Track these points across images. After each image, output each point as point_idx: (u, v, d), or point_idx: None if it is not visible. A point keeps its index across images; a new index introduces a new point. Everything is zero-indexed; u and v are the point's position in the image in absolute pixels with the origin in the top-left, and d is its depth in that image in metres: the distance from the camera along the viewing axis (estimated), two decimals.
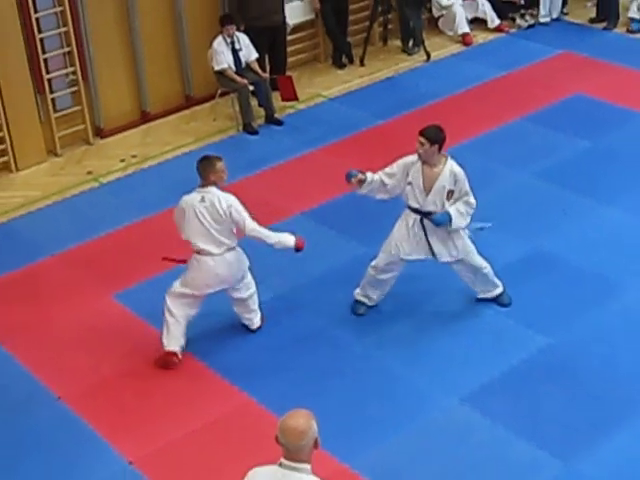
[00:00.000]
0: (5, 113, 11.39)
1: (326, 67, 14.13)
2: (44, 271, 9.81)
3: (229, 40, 12.16)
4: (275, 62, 13.18)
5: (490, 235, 9.57)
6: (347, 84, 13.58)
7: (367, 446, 7.41)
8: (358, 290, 8.89)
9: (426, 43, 14.24)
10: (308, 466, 4.91)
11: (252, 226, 8.05)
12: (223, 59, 12.18)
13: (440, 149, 8.14)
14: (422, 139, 8.05)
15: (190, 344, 8.50)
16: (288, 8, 13.23)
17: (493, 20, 15.04)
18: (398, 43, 14.60)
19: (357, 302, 8.92)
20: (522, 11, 15.24)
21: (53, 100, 11.88)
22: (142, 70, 12.56)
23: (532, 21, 15.13)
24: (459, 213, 8.22)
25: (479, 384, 8.01)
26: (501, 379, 8.06)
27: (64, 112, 12.03)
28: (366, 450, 7.37)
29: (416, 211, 8.32)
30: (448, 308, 8.88)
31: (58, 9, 11.55)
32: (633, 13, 14.70)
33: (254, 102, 12.49)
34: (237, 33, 12.24)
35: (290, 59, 13.59)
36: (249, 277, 8.47)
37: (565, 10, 15.39)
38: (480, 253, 8.52)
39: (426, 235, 8.33)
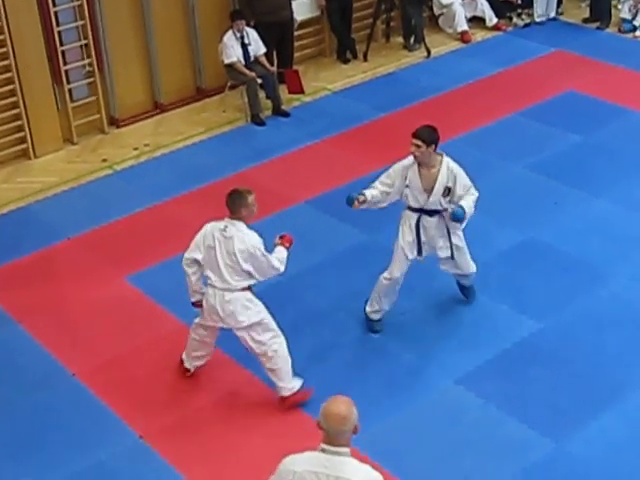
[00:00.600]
0: (24, 102, 11.38)
1: (331, 62, 14.09)
2: (60, 254, 9.81)
3: (239, 35, 12.13)
4: (283, 56, 13.14)
5: (485, 224, 9.58)
6: (351, 78, 13.54)
7: (366, 424, 7.37)
8: (369, 308, 8.42)
9: (427, 40, 14.20)
10: (348, 450, 4.87)
11: (276, 264, 7.35)
12: (233, 53, 12.15)
13: (435, 149, 7.76)
14: (417, 141, 7.65)
15: None
16: (295, 5, 13.17)
17: (491, 19, 14.99)
18: (400, 40, 14.55)
19: (372, 321, 8.43)
20: (519, 10, 15.19)
21: (70, 90, 11.85)
22: (155, 63, 12.53)
23: (528, 20, 15.08)
24: (469, 207, 7.86)
25: (473, 366, 8.01)
26: (494, 362, 8.06)
27: (80, 102, 12.01)
28: (365, 428, 7.34)
29: (418, 210, 7.99)
30: (445, 294, 8.86)
31: (76, 3, 11.52)
32: (624, 14, 14.65)
33: (262, 94, 12.46)
34: (246, 28, 12.20)
35: (296, 54, 13.55)
36: (267, 335, 7.49)
37: (560, 10, 15.33)
38: (472, 257, 8.43)
39: (427, 234, 8.02)
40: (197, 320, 7.69)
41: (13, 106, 11.40)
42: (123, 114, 12.43)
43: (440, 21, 14.97)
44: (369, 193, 7.94)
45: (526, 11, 15.16)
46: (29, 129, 11.52)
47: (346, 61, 14.05)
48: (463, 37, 14.63)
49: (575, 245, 9.48)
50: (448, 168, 7.83)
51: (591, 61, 13.58)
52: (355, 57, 14.14)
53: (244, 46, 12.20)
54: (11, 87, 11.29)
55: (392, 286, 8.22)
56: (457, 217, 7.80)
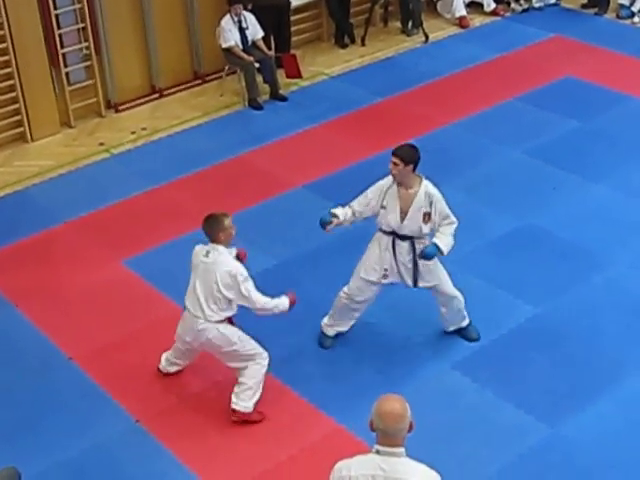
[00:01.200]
0: (21, 86, 11.31)
1: (329, 46, 14.02)
2: (57, 237, 9.77)
3: (236, 19, 12.07)
4: (280, 40, 13.07)
5: (482, 210, 9.56)
6: (348, 63, 13.48)
7: (363, 408, 7.38)
8: (326, 320, 8.11)
9: (425, 25, 14.12)
10: (404, 449, 4.73)
11: (257, 297, 7.04)
12: (230, 37, 12.10)
13: (414, 169, 7.34)
14: (396, 159, 7.27)
15: None
16: None
17: (489, 4, 14.91)
18: (398, 25, 14.48)
19: (324, 335, 8.14)
20: None
21: (67, 74, 11.79)
22: (153, 47, 12.45)
23: (526, 5, 15.00)
24: (447, 240, 7.50)
25: (470, 351, 8.00)
26: (491, 347, 8.04)
27: (78, 86, 11.95)
28: (362, 412, 7.34)
29: (390, 234, 7.62)
30: None
31: None
32: (623, 0, 14.59)
33: (259, 79, 12.40)
34: (244, 12, 12.13)
35: (294, 38, 13.48)
36: (242, 364, 7.23)
37: None
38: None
39: (396, 260, 7.64)
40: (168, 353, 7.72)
41: (10, 89, 11.34)
42: (120, 98, 12.37)
43: (438, 6, 14.90)
44: (342, 213, 7.66)
45: None
46: (26, 112, 11.46)
47: (344, 46, 13.98)
48: (461, 22, 14.56)
49: (573, 231, 9.44)
50: (426, 192, 7.42)
51: (589, 47, 13.53)
52: (353, 42, 14.07)
53: (242, 30, 12.14)
54: (8, 70, 11.23)
55: (348, 306, 7.92)
56: (428, 256, 7.49)
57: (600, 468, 6.85)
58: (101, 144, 11.55)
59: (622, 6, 14.58)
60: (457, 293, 7.90)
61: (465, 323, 8.11)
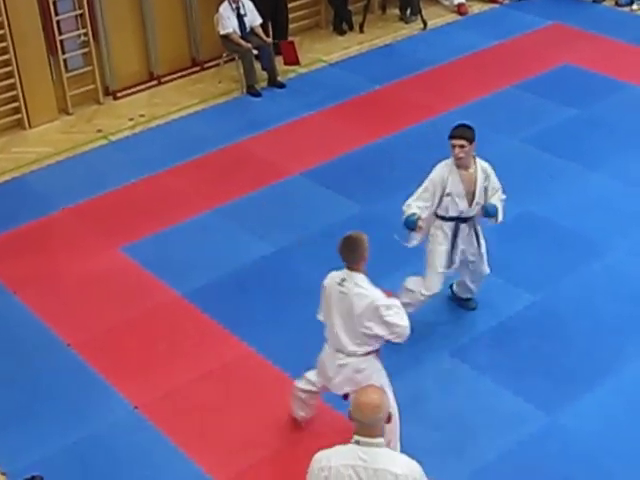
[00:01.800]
0: (19, 73, 11.27)
1: (327, 33, 13.98)
2: (55, 224, 9.74)
3: (234, 5, 12.02)
4: (277, 27, 13.02)
5: None
6: (347, 50, 13.44)
7: None
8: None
9: (423, 12, 14.06)
10: (383, 440, 4.72)
11: (400, 322, 6.24)
12: (229, 24, 12.05)
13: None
14: (461, 141, 7.21)
15: (194, 296, 8.46)
16: None
17: None
18: (396, 12, 14.42)
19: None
20: None
21: (65, 61, 11.75)
22: (151, 33, 12.40)
23: None
24: (500, 206, 7.62)
25: (468, 338, 7.98)
26: (490, 334, 8.03)
27: (75, 72, 11.90)
28: None
29: (455, 219, 7.54)
30: None
31: None
32: None
33: (257, 66, 12.35)
34: None
35: (292, 25, 13.43)
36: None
37: None
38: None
39: (457, 243, 7.61)
40: (306, 377, 6.80)
41: (8, 76, 11.30)
42: (118, 84, 12.32)
43: None
44: (418, 212, 7.32)
45: None
46: (24, 99, 11.41)
47: (342, 33, 13.93)
48: (460, 9, 14.50)
49: (571, 219, 9.41)
50: (482, 168, 7.49)
51: (588, 34, 13.48)
52: (351, 29, 14.02)
53: (240, 17, 12.09)
54: (6, 57, 11.19)
55: (423, 302, 7.81)
56: (490, 212, 7.51)
57: (599, 456, 6.83)
58: (99, 131, 11.50)
59: None
60: (488, 271, 7.97)
61: (476, 291, 8.20)
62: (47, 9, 11.27)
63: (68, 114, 11.85)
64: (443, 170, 7.40)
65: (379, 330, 6.19)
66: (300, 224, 9.45)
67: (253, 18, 12.23)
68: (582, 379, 7.49)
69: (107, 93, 12.26)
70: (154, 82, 12.57)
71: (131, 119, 11.75)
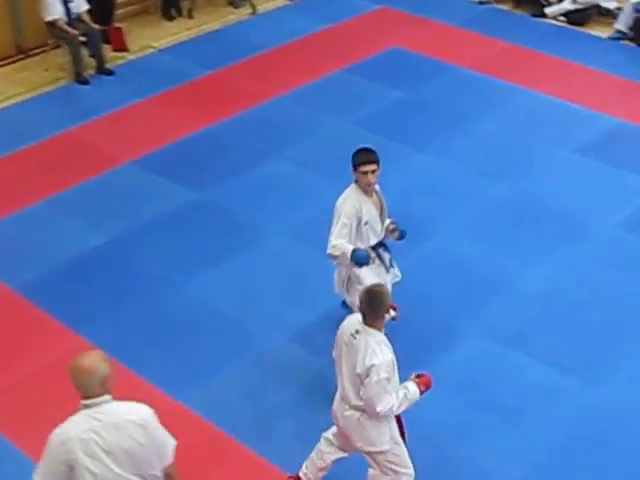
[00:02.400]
0: None
1: (156, 19, 13.89)
2: None
3: None
4: (104, 13, 12.81)
5: (314, 180, 9.67)
6: (176, 36, 13.39)
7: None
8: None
9: None
10: (109, 396, 4.76)
11: (381, 408, 5.69)
12: (54, 10, 11.83)
13: None
14: (373, 166, 6.85)
15: (26, 290, 8.33)
16: None
17: None
18: None
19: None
20: None
21: None
22: None
23: None
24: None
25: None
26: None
27: None
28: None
29: (375, 247, 7.17)
30: None
31: None
32: None
33: (85, 52, 12.18)
34: None
35: (121, 11, 13.28)
36: (385, 477, 6.02)
37: None
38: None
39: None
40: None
41: None
42: None
43: None
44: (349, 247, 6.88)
45: None
46: None
47: (171, 18, 13.89)
48: None
49: (399, 200, 9.55)
50: (378, 187, 7.20)
51: (416, 18, 13.79)
52: (180, 14, 13.99)
53: (66, 3, 11.88)
54: None
55: None
56: (405, 234, 7.30)
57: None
58: None
59: None
60: None
61: None
62: None
63: None
64: (353, 200, 6.97)
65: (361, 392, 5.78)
66: (133, 212, 9.40)
67: (79, 4, 12.03)
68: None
69: None
70: None
71: None
